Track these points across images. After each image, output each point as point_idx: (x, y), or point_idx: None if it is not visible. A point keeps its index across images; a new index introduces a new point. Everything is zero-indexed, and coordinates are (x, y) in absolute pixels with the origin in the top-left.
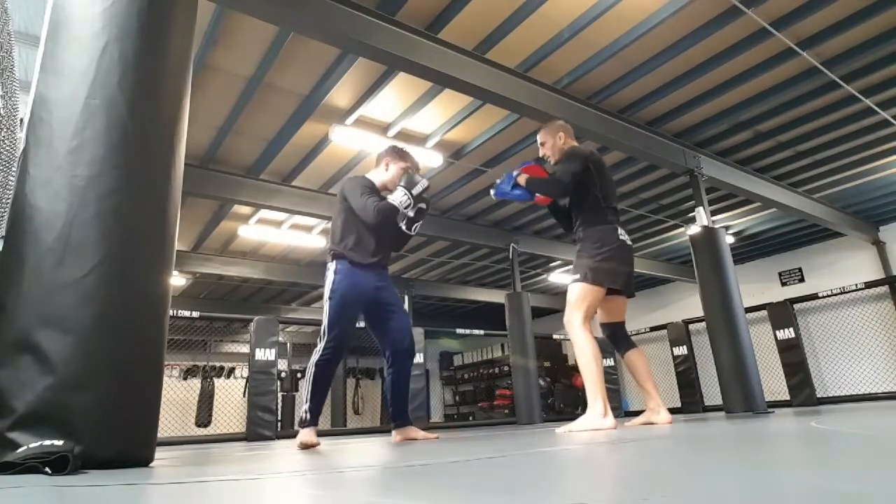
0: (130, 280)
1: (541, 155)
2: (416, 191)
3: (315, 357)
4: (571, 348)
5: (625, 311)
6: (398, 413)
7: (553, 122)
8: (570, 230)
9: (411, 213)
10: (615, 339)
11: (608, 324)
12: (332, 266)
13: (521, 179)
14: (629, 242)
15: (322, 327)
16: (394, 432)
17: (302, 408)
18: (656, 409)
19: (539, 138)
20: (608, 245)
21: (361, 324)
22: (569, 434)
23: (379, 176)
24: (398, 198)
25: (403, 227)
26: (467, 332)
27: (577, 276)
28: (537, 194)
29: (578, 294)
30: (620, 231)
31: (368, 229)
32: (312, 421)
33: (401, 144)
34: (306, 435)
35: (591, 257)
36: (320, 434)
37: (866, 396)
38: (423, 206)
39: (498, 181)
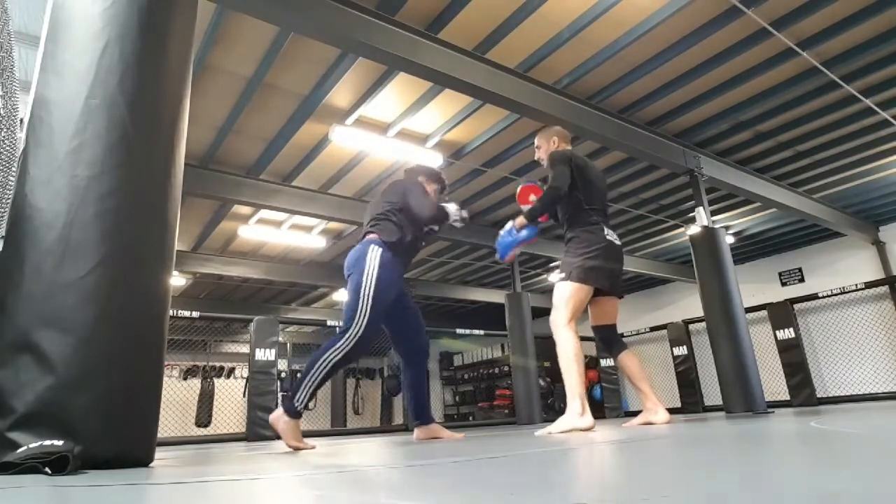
0: (130, 280)
1: (535, 158)
2: (463, 214)
3: (338, 344)
4: None
5: (616, 313)
6: (420, 411)
7: (550, 127)
8: (557, 221)
9: (458, 226)
10: (607, 342)
11: (600, 326)
12: (378, 251)
13: (518, 222)
14: (617, 242)
15: (356, 312)
16: (416, 430)
17: (301, 393)
18: (654, 408)
19: (536, 142)
20: (595, 245)
21: None
22: (549, 436)
23: None
24: (453, 210)
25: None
26: (467, 332)
27: (563, 275)
28: (541, 219)
29: (565, 293)
30: (607, 230)
31: (415, 230)
32: (297, 414)
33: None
34: (293, 431)
35: (577, 256)
36: (321, 434)
37: (866, 396)
38: (458, 225)
39: (499, 239)
